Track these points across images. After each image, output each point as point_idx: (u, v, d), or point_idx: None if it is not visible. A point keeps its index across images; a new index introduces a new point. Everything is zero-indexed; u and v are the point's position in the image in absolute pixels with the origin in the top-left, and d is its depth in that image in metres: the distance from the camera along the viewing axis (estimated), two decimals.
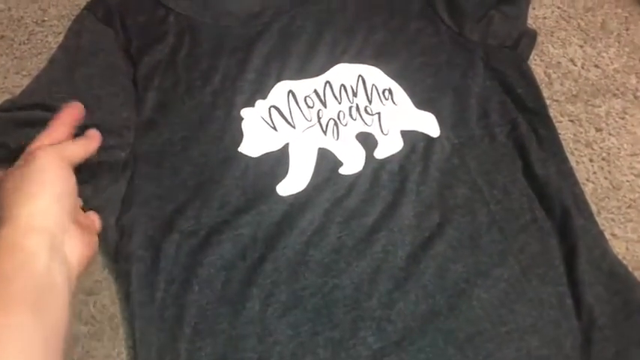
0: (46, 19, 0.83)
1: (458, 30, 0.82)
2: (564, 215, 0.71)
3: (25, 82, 0.75)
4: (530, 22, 0.88)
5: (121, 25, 0.78)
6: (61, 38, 0.78)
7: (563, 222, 0.71)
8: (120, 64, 0.76)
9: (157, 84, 0.75)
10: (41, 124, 0.67)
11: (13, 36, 0.82)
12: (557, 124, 0.79)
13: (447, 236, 0.69)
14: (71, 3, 0.84)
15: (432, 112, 0.77)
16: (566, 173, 0.74)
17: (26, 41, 0.82)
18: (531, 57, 0.85)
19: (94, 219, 0.63)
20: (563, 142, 0.77)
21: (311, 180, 0.72)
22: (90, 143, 0.62)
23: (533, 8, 0.90)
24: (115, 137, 0.71)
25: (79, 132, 0.69)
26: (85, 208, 0.67)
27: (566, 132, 0.81)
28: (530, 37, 0.84)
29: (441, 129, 0.76)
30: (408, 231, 0.70)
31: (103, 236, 0.67)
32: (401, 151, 0.74)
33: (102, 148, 0.68)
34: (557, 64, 0.87)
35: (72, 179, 0.56)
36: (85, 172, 0.66)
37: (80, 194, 0.65)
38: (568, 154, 0.76)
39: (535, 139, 0.76)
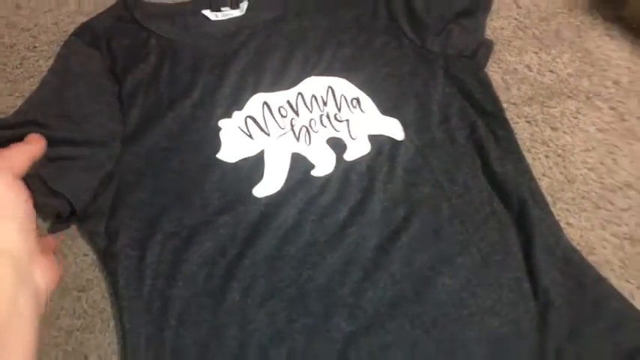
0: (37, 45, 0.89)
1: (420, 43, 0.88)
2: (521, 207, 0.76)
3: (18, 102, 0.80)
4: (489, 32, 0.94)
5: (107, 47, 0.84)
6: (51, 62, 0.84)
7: (520, 213, 0.76)
8: (106, 83, 0.81)
9: (141, 100, 0.81)
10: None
11: (6, 61, 0.87)
12: (514, 126, 0.84)
13: (412, 229, 0.75)
14: (60, 30, 0.89)
15: (397, 118, 0.83)
16: (523, 170, 0.80)
17: (19, 66, 0.87)
18: (489, 65, 0.91)
19: (51, 240, 0.64)
20: (520, 142, 0.83)
21: (285, 182, 0.77)
22: (34, 148, 0.59)
23: (491, 20, 0.96)
24: (103, 148, 0.77)
25: (70, 145, 0.75)
26: (79, 217, 0.73)
27: (523, 132, 0.87)
28: (487, 46, 0.90)
29: (405, 133, 0.81)
30: (377, 225, 0.75)
31: (93, 241, 0.74)
32: (369, 153, 0.80)
33: (92, 161, 0.75)
34: (513, 70, 0.93)
35: (24, 195, 0.53)
36: (77, 184, 0.73)
37: (74, 204, 0.72)
38: (525, 152, 0.82)
39: (493, 140, 0.81)
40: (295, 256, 0.73)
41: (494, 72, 0.92)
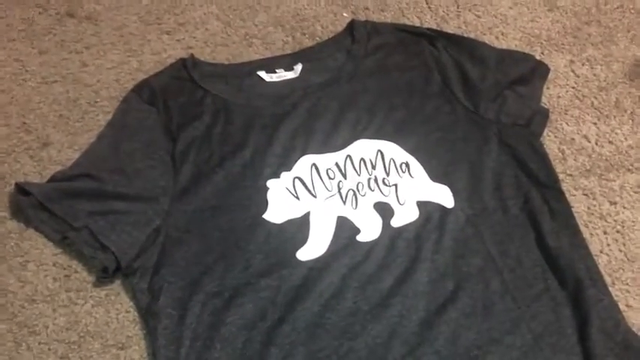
0: (98, 100, 0.92)
1: (473, 109, 0.87)
2: (577, 285, 0.72)
3: (76, 155, 0.83)
4: (545, 100, 0.92)
5: (164, 105, 0.86)
6: (110, 117, 0.86)
7: (575, 292, 0.72)
8: (160, 140, 0.83)
9: (193, 157, 0.82)
10: (84, 195, 0.77)
11: (69, 115, 0.90)
12: (570, 198, 0.82)
13: (460, 303, 0.72)
14: (121, 86, 0.92)
15: (447, 185, 0.81)
16: (579, 245, 0.76)
17: (80, 119, 0.90)
18: (545, 134, 0.88)
19: None
20: (577, 215, 0.80)
21: (330, 246, 0.76)
22: None
23: (548, 88, 0.94)
24: (152, 204, 0.77)
25: (121, 200, 0.76)
26: (124, 272, 0.74)
27: (579, 205, 0.83)
28: (543, 115, 0.88)
29: (455, 200, 0.79)
30: (423, 297, 0.72)
31: (136, 297, 0.74)
32: (417, 220, 0.78)
33: (141, 216, 0.76)
34: (570, 140, 0.90)
35: None
36: (125, 238, 0.74)
37: (120, 259, 0.72)
38: (582, 227, 0.79)
39: (548, 212, 0.78)
40: (337, 325, 0.71)
41: (550, 141, 0.89)
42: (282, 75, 0.91)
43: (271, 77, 0.91)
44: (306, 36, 1.00)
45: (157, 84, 0.88)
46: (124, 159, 0.80)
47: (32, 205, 0.77)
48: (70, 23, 0.99)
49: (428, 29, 0.96)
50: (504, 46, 0.98)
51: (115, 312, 0.75)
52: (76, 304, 0.75)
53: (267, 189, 0.80)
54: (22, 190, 0.78)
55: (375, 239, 0.77)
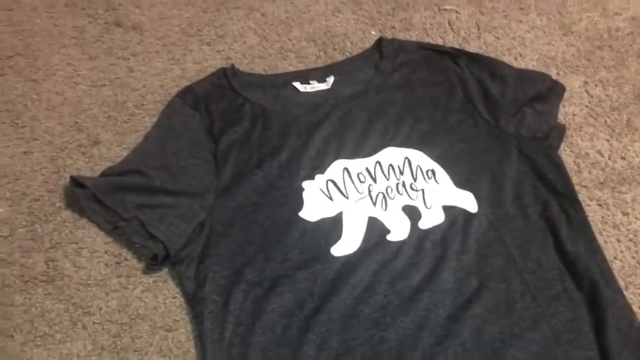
0: (144, 103, 0.96)
1: (494, 122, 0.90)
2: (593, 287, 0.76)
3: (125, 153, 0.87)
4: (561, 117, 0.96)
5: (206, 109, 0.90)
6: (155, 119, 0.90)
7: (591, 293, 0.76)
8: (203, 141, 0.87)
9: (233, 158, 0.86)
10: (134, 189, 0.80)
11: (117, 116, 0.94)
12: (585, 208, 0.85)
13: (484, 300, 0.75)
14: (165, 92, 0.96)
15: (471, 191, 0.84)
16: (594, 251, 0.80)
17: (127, 120, 0.94)
18: (561, 148, 0.92)
19: None
20: (592, 224, 0.83)
21: (362, 244, 0.80)
22: None
23: (564, 106, 0.97)
24: (198, 199, 0.81)
25: (169, 195, 0.80)
26: (172, 261, 0.77)
27: (594, 215, 0.87)
28: (560, 130, 0.92)
29: (479, 206, 0.83)
30: (449, 293, 0.76)
31: (182, 284, 0.77)
32: (442, 223, 0.82)
33: (187, 210, 0.80)
34: (585, 155, 0.93)
35: None
36: (173, 230, 0.78)
37: (169, 248, 0.76)
38: (596, 235, 0.82)
39: (565, 219, 0.82)
40: (369, 317, 0.74)
41: (566, 155, 0.93)
42: (315, 86, 0.95)
43: (305, 88, 0.95)
44: (337, 51, 1.04)
45: (199, 90, 0.92)
46: (169, 157, 0.84)
47: (86, 196, 0.81)
48: (118, 32, 1.03)
49: (451, 48, 0.99)
50: (522, 67, 1.01)
51: (162, 297, 0.78)
52: (126, 288, 0.78)
53: (302, 189, 0.84)
54: (77, 182, 0.82)
55: (404, 239, 0.80)
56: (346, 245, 0.80)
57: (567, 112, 0.98)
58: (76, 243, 0.82)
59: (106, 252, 0.82)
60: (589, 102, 0.99)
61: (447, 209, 0.83)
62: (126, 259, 0.81)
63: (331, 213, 0.82)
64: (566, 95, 0.97)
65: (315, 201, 0.83)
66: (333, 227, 0.81)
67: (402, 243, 0.80)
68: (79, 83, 0.97)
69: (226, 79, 0.94)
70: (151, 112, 0.94)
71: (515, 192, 0.85)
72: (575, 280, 0.77)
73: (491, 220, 0.82)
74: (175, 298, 0.78)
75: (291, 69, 1.00)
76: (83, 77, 0.98)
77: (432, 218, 0.83)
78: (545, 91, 0.94)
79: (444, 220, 0.82)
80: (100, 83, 0.98)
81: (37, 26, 1.03)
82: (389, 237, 0.81)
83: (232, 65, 0.96)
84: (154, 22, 1.05)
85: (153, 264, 0.79)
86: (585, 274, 0.77)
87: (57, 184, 0.87)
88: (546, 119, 0.92)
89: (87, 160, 0.89)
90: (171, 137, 0.87)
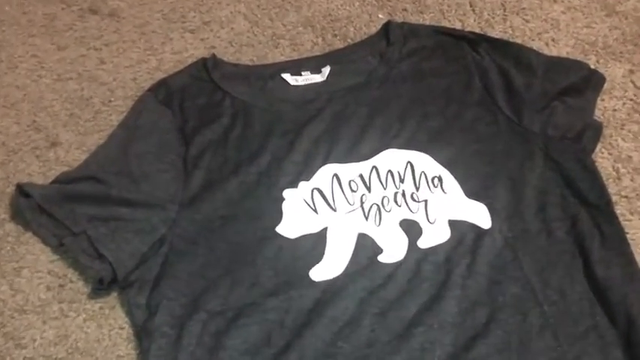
0: (112, 99, 0.89)
1: (517, 120, 0.80)
2: (630, 324, 0.66)
3: (84, 156, 0.80)
4: (598, 113, 0.85)
5: (180, 106, 0.82)
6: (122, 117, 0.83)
7: (628, 331, 0.66)
8: (172, 143, 0.79)
9: (206, 163, 0.78)
10: (87, 199, 0.73)
11: (80, 114, 0.87)
12: (625, 223, 0.74)
13: (493, 338, 0.66)
14: (137, 86, 0.89)
15: (484, 203, 0.75)
16: (633, 277, 0.69)
17: (91, 119, 0.87)
18: (597, 150, 0.81)
19: None
20: (632, 243, 0.72)
21: (347, 266, 0.71)
22: None
23: (602, 99, 0.86)
24: (158, 211, 0.73)
25: (126, 205, 0.72)
26: (121, 284, 0.70)
27: (635, 232, 0.75)
28: (596, 129, 0.81)
29: (493, 220, 0.73)
30: (450, 329, 0.66)
31: (132, 313, 0.69)
32: (447, 241, 0.72)
33: (145, 224, 0.72)
34: (627, 158, 0.82)
35: None
36: (125, 248, 0.70)
37: (117, 271, 0.69)
38: (637, 256, 0.71)
39: (598, 237, 0.72)
40: (350, 356, 0.65)
41: (603, 159, 0.82)
42: (308, 78, 0.86)
43: (296, 80, 0.86)
44: (338, 37, 0.95)
45: (174, 84, 0.85)
46: (133, 162, 0.77)
47: (31, 207, 0.74)
48: (92, 19, 0.97)
49: (471, 32, 0.90)
50: (554, 54, 0.91)
51: (107, 328, 0.70)
52: (67, 316, 0.71)
53: (282, 199, 0.75)
54: (23, 191, 0.75)
55: (399, 261, 0.71)
56: (328, 268, 0.71)
57: (607, 106, 0.87)
58: (17, 261, 0.75)
59: (49, 272, 0.74)
60: (634, 95, 0.88)
61: (453, 224, 0.73)
62: (71, 281, 0.73)
63: (314, 228, 0.73)
64: (606, 87, 0.86)
65: (297, 214, 0.74)
66: (314, 246, 0.72)
67: (397, 265, 0.71)
68: (43, 77, 0.91)
69: (206, 71, 0.86)
70: (119, 109, 0.87)
71: (538, 203, 0.75)
72: (608, 314, 0.67)
73: (507, 238, 0.72)
74: (123, 329, 0.70)
75: (282, 59, 0.92)
76: (48, 70, 0.92)
77: (434, 235, 0.73)
78: (579, 82, 0.84)
79: (450, 238, 0.73)
80: (66, 76, 0.91)
81: (6, 14, 0.98)
82: (381, 258, 0.71)
83: (214, 55, 0.88)
84: (133, 8, 0.99)
85: (99, 287, 0.71)
86: (621, 307, 0.67)
87: (4, 192, 0.80)
88: (580, 116, 0.81)
89: (41, 164, 0.83)
90: (137, 138, 0.79)
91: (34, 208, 0.74)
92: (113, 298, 0.72)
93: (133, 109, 0.83)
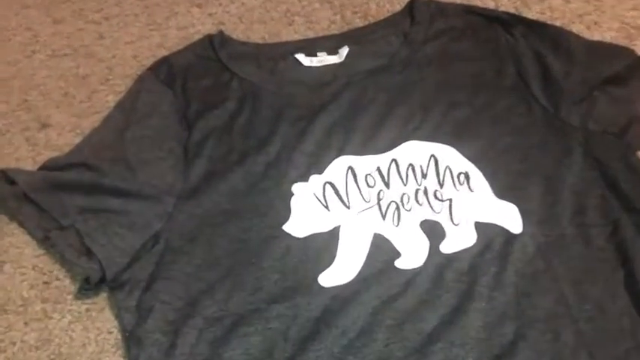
0: (110, 77, 0.85)
1: (553, 110, 0.75)
2: None
3: (77, 140, 0.76)
4: None
5: (182, 87, 0.77)
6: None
7: None
8: (173, 127, 0.74)
9: (209, 151, 0.73)
10: (78, 188, 0.69)
11: (75, 93, 0.83)
12: None
13: (520, 356, 0.62)
14: (138, 63, 0.85)
15: (516, 204, 0.70)
16: None
17: (87, 99, 0.83)
18: None
19: None
20: None
21: (361, 271, 0.66)
22: None
23: None
24: (154, 204, 0.69)
25: (119, 196, 0.68)
26: (110, 284, 0.65)
27: None
28: None
29: (524, 224, 0.69)
30: (473, 346, 0.62)
31: (121, 316, 0.65)
32: (473, 246, 0.68)
33: (139, 217, 0.67)
34: None
35: None
36: (116, 243, 0.66)
37: (106, 270, 0.64)
38: None
39: None
40: None
41: None
42: (323, 59, 0.81)
43: (311, 61, 0.80)
44: (358, 15, 0.89)
45: (178, 63, 0.79)
46: (129, 147, 0.72)
47: (15, 195, 0.70)
48: None
49: (505, 13, 0.85)
50: (597, 38, 0.85)
51: (94, 332, 0.66)
52: (51, 318, 0.67)
53: (291, 194, 0.70)
54: (8, 177, 0.71)
55: (419, 267, 0.66)
56: (339, 272, 0.66)
57: None
58: None
59: (33, 268, 0.70)
60: None
61: (480, 227, 0.69)
62: (57, 279, 0.69)
63: (325, 227, 0.69)
64: None
65: (306, 210, 0.69)
66: (325, 247, 0.67)
67: (416, 272, 0.66)
68: (37, 52, 0.87)
69: (212, 49, 0.80)
70: (117, 89, 0.83)
71: (575, 206, 0.70)
72: None
73: (541, 244, 0.67)
74: (111, 333, 0.66)
75: (296, 37, 0.87)
76: (42, 45, 0.88)
77: (459, 239, 0.68)
78: (624, 71, 0.78)
79: (476, 243, 0.68)
80: (62, 52, 0.87)
81: None
82: (398, 263, 0.66)
83: (221, 31, 0.83)
84: None
85: (85, 288, 0.66)
86: None
87: None
88: (625, 108, 0.76)
89: (31, 147, 0.78)
90: (135, 122, 0.74)
91: (20, 196, 0.69)
92: (102, 299, 0.68)
93: (131, 89, 0.78)
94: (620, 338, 0.62)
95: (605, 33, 0.87)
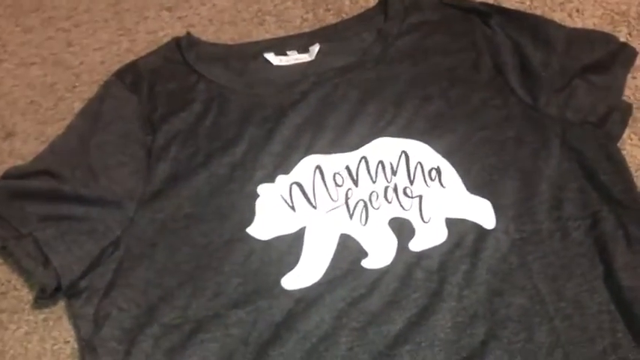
0: (77, 85, 0.84)
1: (531, 102, 0.74)
2: None
3: (42, 148, 0.74)
4: (628, 93, 0.78)
5: (149, 92, 0.76)
6: None
7: None
8: (136, 132, 0.73)
9: (173, 154, 0.72)
10: (39, 196, 0.68)
11: (41, 101, 0.83)
12: None
13: (492, 357, 0.60)
14: (105, 70, 0.83)
15: (489, 198, 0.68)
16: None
17: (53, 107, 0.82)
18: (626, 136, 0.75)
19: None
20: None
21: (326, 272, 0.65)
22: None
23: (634, 77, 0.79)
24: (113, 210, 0.67)
25: (79, 203, 0.67)
26: (66, 293, 0.64)
27: None
28: (624, 112, 0.74)
29: (498, 219, 0.67)
30: (442, 347, 0.61)
31: (77, 325, 0.63)
32: (443, 243, 0.66)
33: (99, 224, 0.66)
34: None
35: None
36: (74, 251, 0.64)
37: (62, 278, 0.63)
38: None
39: (623, 239, 0.65)
40: None
41: (632, 146, 0.75)
42: (293, 58, 0.79)
43: (280, 60, 0.79)
44: (331, 12, 0.88)
45: (145, 67, 0.78)
46: (92, 153, 0.71)
47: None
48: None
49: (481, 3, 0.82)
50: (580, 26, 0.83)
51: (51, 342, 0.65)
52: (7, 329, 0.66)
53: (256, 196, 0.69)
54: None
55: (386, 266, 0.64)
56: (303, 274, 0.64)
57: (638, 85, 0.79)
58: None
59: None
60: None
61: (451, 224, 0.67)
62: (15, 289, 0.68)
63: (290, 229, 0.67)
64: (637, 63, 0.78)
65: (271, 212, 0.68)
66: (289, 249, 0.66)
67: (383, 272, 0.64)
68: (5, 61, 0.87)
69: (179, 52, 0.79)
70: (83, 96, 0.82)
71: (552, 200, 0.68)
72: (633, 331, 0.61)
73: (515, 240, 0.66)
74: (68, 343, 0.65)
75: (267, 37, 0.85)
76: (11, 54, 0.87)
77: (428, 236, 0.66)
78: (606, 58, 0.77)
79: (447, 240, 0.66)
80: (30, 61, 0.87)
81: None
82: (365, 263, 0.65)
83: (188, 33, 0.82)
84: None
85: (41, 297, 0.65)
86: None
87: None
88: (605, 96, 0.74)
89: None
90: (98, 128, 0.73)
91: None
92: (60, 307, 0.66)
93: (96, 95, 0.77)
94: (598, 336, 0.60)
95: (588, 20, 0.85)
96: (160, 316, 0.62)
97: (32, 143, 0.78)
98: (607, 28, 0.83)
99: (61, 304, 0.66)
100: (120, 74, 0.78)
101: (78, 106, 0.80)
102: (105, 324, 0.61)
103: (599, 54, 0.76)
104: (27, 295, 0.67)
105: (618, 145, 0.73)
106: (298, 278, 0.64)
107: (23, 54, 0.87)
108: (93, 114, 0.75)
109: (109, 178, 0.69)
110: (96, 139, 0.72)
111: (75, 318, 0.64)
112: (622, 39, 0.80)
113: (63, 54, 0.86)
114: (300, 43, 0.80)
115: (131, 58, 0.82)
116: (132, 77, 0.77)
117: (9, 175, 0.71)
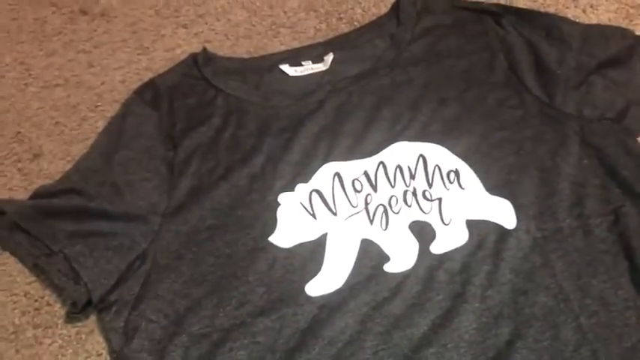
0: (99, 104, 0.85)
1: (548, 100, 0.73)
2: None
3: (67, 167, 0.76)
4: None
5: (169, 107, 0.77)
6: None
7: None
8: (158, 148, 0.74)
9: (194, 168, 0.72)
10: (67, 213, 0.69)
11: (66, 122, 0.84)
12: None
13: (518, 357, 0.59)
14: (126, 88, 0.84)
15: (509, 199, 0.68)
16: None
17: (77, 127, 0.83)
18: None
19: None
20: None
21: (349, 278, 0.65)
22: None
23: None
24: (140, 224, 0.68)
25: (106, 219, 0.68)
26: (97, 307, 0.65)
27: None
28: None
29: (519, 219, 0.66)
30: (468, 349, 0.60)
31: (108, 338, 0.64)
32: (465, 245, 0.66)
33: (125, 238, 0.67)
34: None
35: None
36: (103, 266, 0.65)
37: (92, 293, 0.64)
38: None
39: None
40: None
41: None
42: (308, 68, 0.80)
43: (296, 71, 0.80)
44: (344, 21, 0.89)
45: (163, 84, 0.80)
46: (116, 170, 0.72)
47: (7, 225, 0.70)
48: (83, 21, 0.93)
49: (494, 5, 0.82)
50: (594, 22, 0.83)
51: (84, 355, 0.66)
52: (42, 343, 0.67)
53: (277, 205, 0.69)
54: None
55: (409, 270, 0.64)
56: (327, 280, 0.64)
57: None
58: None
59: (25, 295, 0.70)
60: None
61: (472, 225, 0.67)
62: (48, 304, 0.69)
63: (312, 236, 0.67)
64: None
65: (293, 220, 0.68)
66: (312, 256, 0.66)
67: (406, 275, 0.64)
68: (30, 85, 0.88)
69: (197, 68, 0.80)
70: (106, 115, 0.83)
71: (573, 197, 0.67)
72: None
73: (537, 238, 0.65)
74: (100, 355, 0.65)
75: (283, 49, 0.86)
76: (35, 77, 0.89)
77: (450, 239, 0.66)
78: (623, 52, 0.76)
79: (468, 241, 0.66)
80: (54, 83, 0.88)
81: None
82: (387, 267, 0.65)
83: (205, 49, 0.83)
84: (125, 6, 0.94)
85: (73, 312, 0.66)
86: None
87: None
88: (623, 91, 0.74)
89: (23, 177, 0.79)
90: (121, 145, 0.74)
91: (10, 225, 0.69)
92: (91, 321, 0.67)
93: (117, 114, 0.78)
94: (625, 333, 0.59)
95: (603, 15, 0.84)
96: (188, 326, 0.63)
97: (58, 163, 0.79)
98: (623, 23, 0.82)
99: (93, 317, 0.67)
100: (140, 92, 0.79)
101: (101, 124, 0.81)
102: (135, 336, 0.62)
103: (615, 49, 0.75)
104: (60, 310, 0.69)
105: (638, 139, 0.71)
106: (322, 285, 0.64)
107: (47, 77, 0.88)
108: (115, 132, 0.76)
109: (133, 194, 0.70)
110: (119, 157, 0.73)
111: (106, 331, 0.65)
112: (638, 32, 0.78)
113: (85, 75, 0.88)
114: (315, 53, 0.81)
115: (150, 75, 0.83)
116: (151, 94, 0.78)
117: (37, 194, 0.72)
